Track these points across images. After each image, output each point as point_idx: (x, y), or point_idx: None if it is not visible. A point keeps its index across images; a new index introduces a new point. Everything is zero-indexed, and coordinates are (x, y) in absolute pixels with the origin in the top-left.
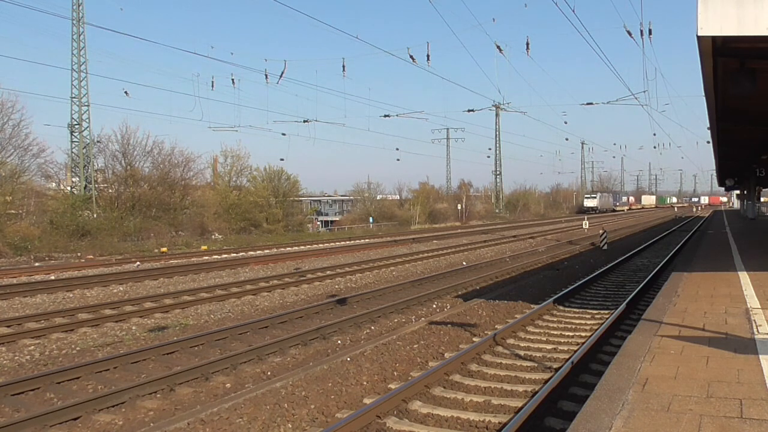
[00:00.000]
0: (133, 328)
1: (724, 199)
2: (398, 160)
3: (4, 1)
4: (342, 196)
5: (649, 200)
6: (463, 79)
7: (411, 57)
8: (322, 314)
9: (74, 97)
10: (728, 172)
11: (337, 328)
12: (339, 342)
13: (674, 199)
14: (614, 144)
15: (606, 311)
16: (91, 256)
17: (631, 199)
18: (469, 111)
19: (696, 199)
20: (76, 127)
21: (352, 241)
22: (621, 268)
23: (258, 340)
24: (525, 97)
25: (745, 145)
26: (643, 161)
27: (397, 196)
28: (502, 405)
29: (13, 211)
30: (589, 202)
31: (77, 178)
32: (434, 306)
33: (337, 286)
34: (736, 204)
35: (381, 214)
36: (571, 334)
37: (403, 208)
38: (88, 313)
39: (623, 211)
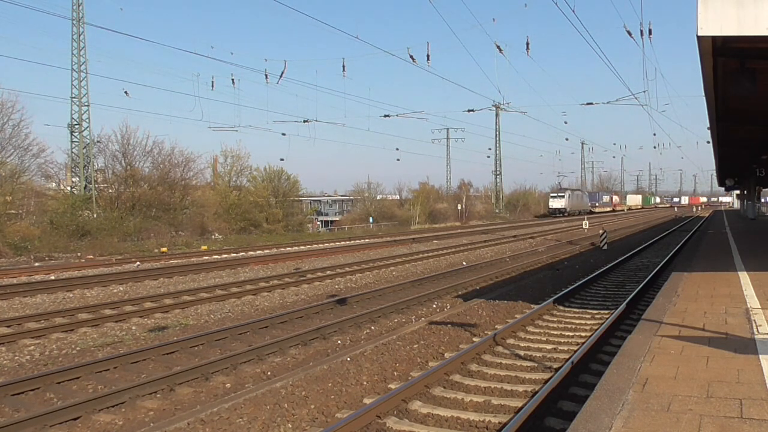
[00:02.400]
0: (133, 328)
1: (704, 199)
2: (398, 160)
3: (4, 1)
4: (342, 196)
5: (635, 200)
6: (463, 79)
7: (411, 57)
8: (322, 314)
9: (74, 97)
10: (728, 172)
11: (337, 328)
12: (339, 342)
13: (657, 200)
14: (614, 144)
15: (606, 311)
16: (91, 256)
17: (615, 198)
18: (469, 111)
19: (677, 200)
20: (76, 127)
21: (352, 241)
22: (621, 268)
23: (258, 340)
24: (525, 97)
25: (745, 145)
26: (643, 161)
27: (397, 196)
28: (502, 405)
29: (13, 211)
30: (555, 203)
31: (77, 178)
32: (434, 306)
33: (337, 286)
34: (736, 204)
35: (381, 214)
36: (571, 334)
37: (403, 208)
38: (88, 313)
39: (605, 212)
